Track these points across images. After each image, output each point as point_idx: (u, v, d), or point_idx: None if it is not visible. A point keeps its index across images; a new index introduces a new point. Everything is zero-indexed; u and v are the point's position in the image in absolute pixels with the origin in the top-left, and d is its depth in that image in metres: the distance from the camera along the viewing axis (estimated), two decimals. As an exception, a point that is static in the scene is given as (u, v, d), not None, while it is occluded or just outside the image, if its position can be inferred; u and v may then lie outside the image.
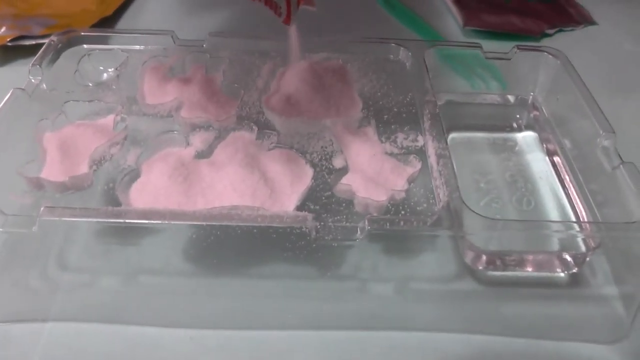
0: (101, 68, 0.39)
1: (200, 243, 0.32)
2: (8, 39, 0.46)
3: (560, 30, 0.53)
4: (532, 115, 0.41)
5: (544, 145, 0.39)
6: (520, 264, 0.32)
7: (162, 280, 0.32)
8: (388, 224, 0.28)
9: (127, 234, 0.33)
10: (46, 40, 0.39)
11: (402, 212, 0.30)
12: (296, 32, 0.35)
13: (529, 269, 0.32)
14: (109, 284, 0.31)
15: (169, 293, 0.31)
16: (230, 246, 0.31)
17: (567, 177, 0.36)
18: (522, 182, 0.37)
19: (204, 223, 0.27)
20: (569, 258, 0.32)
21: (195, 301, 0.31)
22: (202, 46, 0.39)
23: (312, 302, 0.31)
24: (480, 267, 0.32)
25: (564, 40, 0.52)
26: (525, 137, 0.40)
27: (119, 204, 0.30)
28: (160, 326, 0.30)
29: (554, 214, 0.35)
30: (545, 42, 0.52)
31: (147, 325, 0.30)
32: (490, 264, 0.32)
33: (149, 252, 0.32)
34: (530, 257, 0.32)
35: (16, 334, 0.29)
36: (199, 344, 0.29)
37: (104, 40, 0.40)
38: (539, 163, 0.38)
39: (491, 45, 0.40)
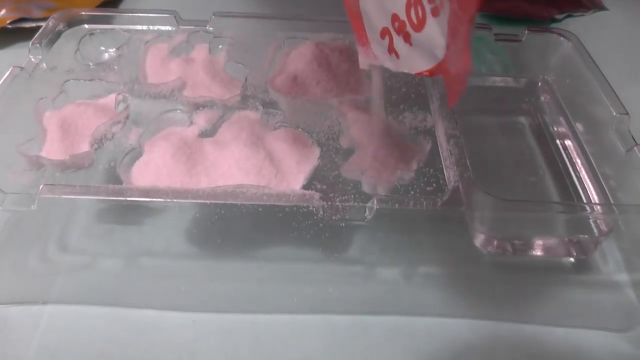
0: (102, 48, 0.38)
1: (203, 223, 0.31)
2: (8, 21, 0.45)
3: (569, 16, 0.53)
4: (542, 98, 0.40)
5: (555, 129, 0.38)
6: (531, 248, 0.31)
7: (164, 262, 0.31)
8: (397, 204, 0.27)
9: (128, 214, 0.32)
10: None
11: (412, 193, 0.29)
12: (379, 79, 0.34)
13: (540, 254, 0.31)
14: (110, 266, 0.31)
15: (171, 276, 0.31)
16: (234, 227, 0.31)
17: (578, 160, 0.35)
18: (532, 167, 0.36)
19: (208, 201, 0.27)
20: (580, 243, 0.31)
21: (198, 284, 0.30)
22: (206, 27, 0.38)
23: (318, 285, 0.30)
24: (491, 251, 0.31)
25: (573, 26, 0.52)
26: (536, 121, 0.39)
27: (120, 183, 0.29)
28: (162, 309, 0.29)
29: (566, 198, 0.34)
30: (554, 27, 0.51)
31: (148, 309, 0.29)
32: (501, 247, 0.31)
33: (151, 233, 0.32)
34: (541, 242, 0.31)
35: (15, 316, 0.29)
36: (201, 327, 0.29)
37: (105, 20, 0.39)
38: (549, 146, 0.37)
39: (501, 30, 0.40)
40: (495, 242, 0.31)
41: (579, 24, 0.52)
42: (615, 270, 0.32)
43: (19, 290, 0.30)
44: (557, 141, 0.38)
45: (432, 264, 0.31)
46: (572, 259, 0.32)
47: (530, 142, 0.38)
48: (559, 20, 0.52)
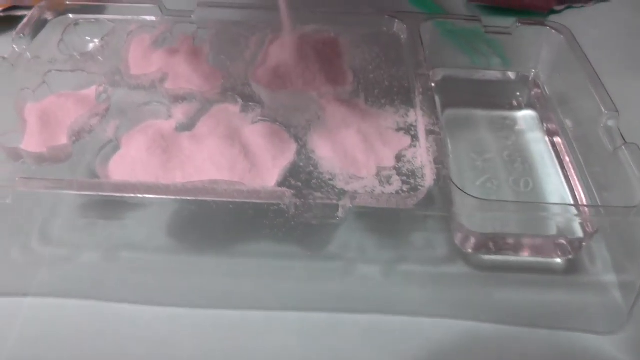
0: (87, 38, 0.38)
1: (180, 220, 0.31)
2: (0, 9, 0.45)
3: (569, 7, 0.51)
4: (533, 92, 0.40)
5: (544, 125, 0.38)
6: (515, 248, 0.31)
7: (142, 256, 0.31)
8: (371, 202, 0.26)
9: (110, 208, 0.32)
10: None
11: (389, 190, 0.29)
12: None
13: (524, 254, 0.31)
14: (90, 259, 0.31)
15: (148, 270, 0.31)
16: (210, 223, 0.30)
17: (567, 158, 0.35)
18: (520, 163, 0.35)
19: (178, 197, 0.26)
20: (566, 243, 0.31)
21: (174, 279, 0.30)
22: (191, 17, 0.38)
23: (294, 282, 0.30)
24: (470, 250, 0.31)
25: (573, 18, 0.50)
26: (525, 116, 0.38)
27: (97, 177, 0.29)
28: (139, 303, 0.29)
29: (552, 197, 0.33)
30: (552, 19, 0.49)
31: (126, 302, 0.29)
32: (482, 246, 0.31)
33: (132, 227, 0.31)
34: (525, 241, 0.31)
35: (-5, 307, 0.29)
36: (177, 322, 0.28)
37: (90, 10, 0.39)
38: (538, 143, 0.37)
39: (497, 22, 0.39)
40: (475, 241, 0.30)
41: (579, 16, 0.50)
42: (602, 271, 0.31)
43: (0, 281, 0.30)
44: (546, 137, 0.37)
45: (412, 262, 0.31)
46: (557, 259, 0.31)
47: (519, 138, 0.37)
48: (558, 12, 0.51)
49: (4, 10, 0.45)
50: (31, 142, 0.31)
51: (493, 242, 0.31)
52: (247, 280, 0.30)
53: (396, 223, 0.32)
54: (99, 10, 0.39)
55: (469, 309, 0.29)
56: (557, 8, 0.51)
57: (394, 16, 0.38)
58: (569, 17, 0.50)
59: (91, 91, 0.34)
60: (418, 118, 0.31)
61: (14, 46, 0.35)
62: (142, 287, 0.30)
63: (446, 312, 0.29)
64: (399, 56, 0.36)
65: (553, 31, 0.38)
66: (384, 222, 0.31)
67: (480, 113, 0.38)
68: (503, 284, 0.31)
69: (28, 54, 0.35)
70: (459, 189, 0.27)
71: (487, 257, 0.31)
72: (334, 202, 0.26)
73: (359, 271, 0.30)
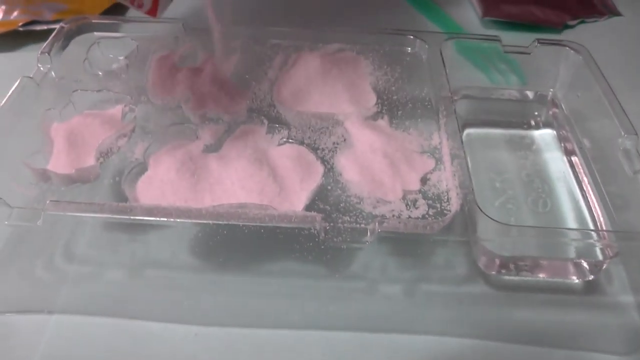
0: (111, 56, 0.38)
1: (207, 240, 0.31)
2: (19, 24, 0.45)
3: (582, 22, 0.51)
4: (551, 112, 0.40)
5: (563, 144, 0.38)
6: (534, 269, 0.31)
7: (168, 274, 0.31)
8: (399, 226, 0.27)
9: (134, 226, 0.32)
10: (57, 26, 0.38)
11: (416, 214, 0.29)
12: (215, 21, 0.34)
13: (543, 275, 0.31)
14: (115, 277, 0.31)
15: (174, 288, 0.31)
16: (237, 243, 0.31)
17: (585, 178, 0.35)
18: (538, 183, 0.36)
19: (211, 222, 0.27)
20: (585, 265, 0.31)
21: (200, 297, 0.31)
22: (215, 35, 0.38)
23: (319, 301, 0.30)
24: (493, 272, 0.31)
25: (586, 32, 0.50)
26: (543, 135, 0.39)
27: (125, 198, 0.30)
28: (165, 321, 0.29)
29: (570, 218, 0.34)
30: (566, 34, 0.50)
31: (151, 320, 0.29)
32: (504, 268, 0.31)
33: (156, 245, 0.32)
34: (545, 263, 0.31)
35: (21, 325, 0.29)
36: (203, 341, 0.29)
37: (114, 28, 0.39)
38: (556, 163, 0.37)
39: (511, 36, 0.39)
40: (498, 263, 0.31)
41: (592, 31, 0.51)
42: (620, 291, 0.31)
43: (25, 298, 0.30)
44: (565, 157, 0.37)
45: (433, 282, 0.31)
46: (576, 280, 0.31)
47: (537, 157, 0.37)
48: (572, 27, 0.51)
49: (23, 25, 0.45)
50: (58, 163, 0.32)
51: (514, 263, 0.31)
52: (272, 299, 0.30)
53: (417, 244, 0.32)
54: (123, 27, 0.39)
55: (489, 328, 0.30)
56: (571, 23, 0.51)
57: (417, 35, 0.38)
58: (582, 32, 0.50)
59: (117, 111, 0.35)
60: (442, 141, 0.32)
61: (39, 65, 0.35)
62: (168, 305, 0.30)
63: (467, 331, 0.29)
64: (421, 77, 0.37)
65: (571, 51, 0.38)
66: (406, 243, 0.32)
67: (498, 132, 0.39)
68: (522, 303, 0.31)
69: (53, 73, 0.36)
70: (486, 215, 0.27)
71: (507, 277, 0.31)
72: (363, 226, 0.27)
73: (382, 291, 0.31)
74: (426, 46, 0.38)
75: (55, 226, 0.32)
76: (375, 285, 0.31)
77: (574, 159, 0.37)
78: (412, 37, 0.38)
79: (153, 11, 0.30)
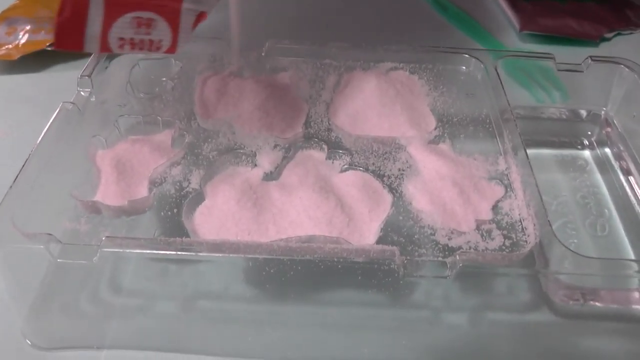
0: (152, 77, 0.36)
1: (261, 269, 0.30)
2: (47, 44, 0.44)
3: (618, 34, 0.51)
4: (604, 131, 0.39)
5: (618, 164, 0.37)
6: (601, 297, 0.30)
7: (222, 305, 0.30)
8: (479, 259, 0.26)
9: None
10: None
11: (492, 246, 0.28)
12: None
13: (610, 303, 0.30)
14: (166, 309, 0.30)
15: (229, 320, 0.30)
16: (300, 274, 0.29)
17: (643, 199, 0.34)
18: (594, 204, 0.35)
19: (283, 257, 0.25)
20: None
21: (257, 329, 0.29)
22: (262, 54, 0.36)
23: (383, 333, 0.29)
24: (562, 301, 0.30)
25: (623, 44, 0.50)
26: (597, 155, 0.38)
27: (181, 229, 0.28)
28: (223, 355, 0.28)
29: (629, 241, 0.33)
30: (604, 46, 0.50)
31: (207, 355, 0.28)
32: (572, 297, 0.30)
33: (208, 275, 0.30)
34: (613, 292, 0.30)
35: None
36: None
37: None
38: (612, 183, 0.36)
39: (549, 50, 0.38)
40: (566, 292, 0.30)
41: (629, 43, 0.50)
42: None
43: (72, 334, 0.29)
44: (621, 177, 0.36)
45: (498, 310, 0.30)
46: (643, 308, 0.30)
47: (591, 178, 0.36)
48: (609, 39, 0.50)
49: (50, 45, 0.44)
50: (108, 193, 0.30)
51: (582, 292, 0.30)
52: (334, 331, 0.29)
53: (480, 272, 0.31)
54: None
55: (555, 357, 0.29)
56: (607, 35, 0.50)
57: (470, 54, 0.37)
58: (619, 44, 0.50)
59: (165, 136, 0.33)
60: (511, 167, 0.31)
61: (78, 89, 0.34)
62: (223, 338, 0.29)
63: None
64: (478, 97, 0.36)
65: (626, 69, 0.37)
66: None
67: (550, 152, 0.38)
68: (588, 332, 0.30)
69: (94, 97, 0.34)
70: (567, 248, 0.26)
71: (573, 306, 0.30)
72: (442, 259, 0.26)
73: (447, 320, 0.30)
74: (481, 65, 0.36)
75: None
76: (439, 314, 0.30)
77: (631, 178, 0.36)
78: (466, 55, 0.37)
79: (172, 48, 0.29)
